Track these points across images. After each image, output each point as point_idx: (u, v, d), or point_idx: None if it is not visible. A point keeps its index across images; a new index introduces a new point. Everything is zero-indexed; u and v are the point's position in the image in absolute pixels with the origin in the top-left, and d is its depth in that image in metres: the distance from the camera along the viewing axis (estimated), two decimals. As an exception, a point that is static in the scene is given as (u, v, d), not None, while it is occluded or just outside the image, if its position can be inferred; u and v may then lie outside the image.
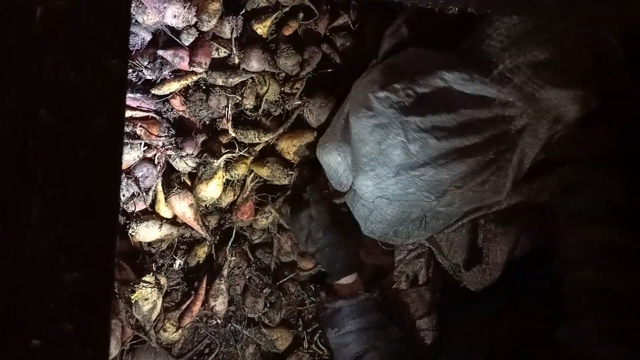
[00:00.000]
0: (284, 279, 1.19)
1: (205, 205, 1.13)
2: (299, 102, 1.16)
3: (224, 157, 1.12)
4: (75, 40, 0.51)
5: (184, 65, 1.08)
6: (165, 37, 1.07)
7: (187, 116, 1.12)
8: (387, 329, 1.00)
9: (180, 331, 1.10)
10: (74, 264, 0.50)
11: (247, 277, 1.16)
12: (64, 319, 0.50)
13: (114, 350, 1.04)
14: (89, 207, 0.51)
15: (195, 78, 1.10)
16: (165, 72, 1.08)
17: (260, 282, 1.16)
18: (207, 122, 1.14)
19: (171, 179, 1.12)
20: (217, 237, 1.15)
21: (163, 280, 1.09)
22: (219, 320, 1.13)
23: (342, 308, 1.00)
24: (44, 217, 0.49)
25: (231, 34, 1.11)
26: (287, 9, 1.13)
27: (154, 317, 1.08)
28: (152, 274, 1.08)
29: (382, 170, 0.92)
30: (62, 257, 0.50)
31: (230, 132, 1.13)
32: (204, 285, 1.13)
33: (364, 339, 0.97)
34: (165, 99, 1.09)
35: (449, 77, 0.90)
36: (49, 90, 0.50)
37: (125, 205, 1.08)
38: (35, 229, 0.49)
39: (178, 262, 1.11)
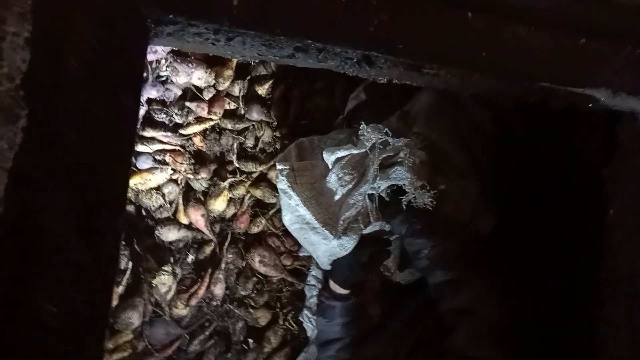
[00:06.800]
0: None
1: (213, 216, 1.11)
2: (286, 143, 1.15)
3: (229, 180, 1.10)
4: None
5: (204, 113, 1.08)
6: (191, 93, 1.07)
7: (204, 150, 1.11)
8: (360, 322, 0.95)
9: (187, 309, 1.06)
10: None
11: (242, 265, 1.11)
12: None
13: (137, 321, 1.01)
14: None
15: (211, 123, 1.10)
16: (190, 118, 1.08)
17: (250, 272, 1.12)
18: (218, 155, 1.12)
19: (189, 195, 1.10)
20: (220, 239, 1.12)
21: (178, 270, 1.06)
22: (217, 302, 1.09)
23: (336, 307, 0.94)
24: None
25: (239, 93, 1.11)
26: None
27: (168, 297, 1.05)
28: (169, 265, 1.06)
29: (291, 217, 0.99)
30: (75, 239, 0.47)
31: (234, 162, 1.12)
32: (208, 274, 1.09)
33: (344, 330, 0.93)
34: (189, 137, 1.08)
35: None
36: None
37: (154, 213, 1.07)
38: (54, 215, 0.46)
39: (190, 257, 1.08)
